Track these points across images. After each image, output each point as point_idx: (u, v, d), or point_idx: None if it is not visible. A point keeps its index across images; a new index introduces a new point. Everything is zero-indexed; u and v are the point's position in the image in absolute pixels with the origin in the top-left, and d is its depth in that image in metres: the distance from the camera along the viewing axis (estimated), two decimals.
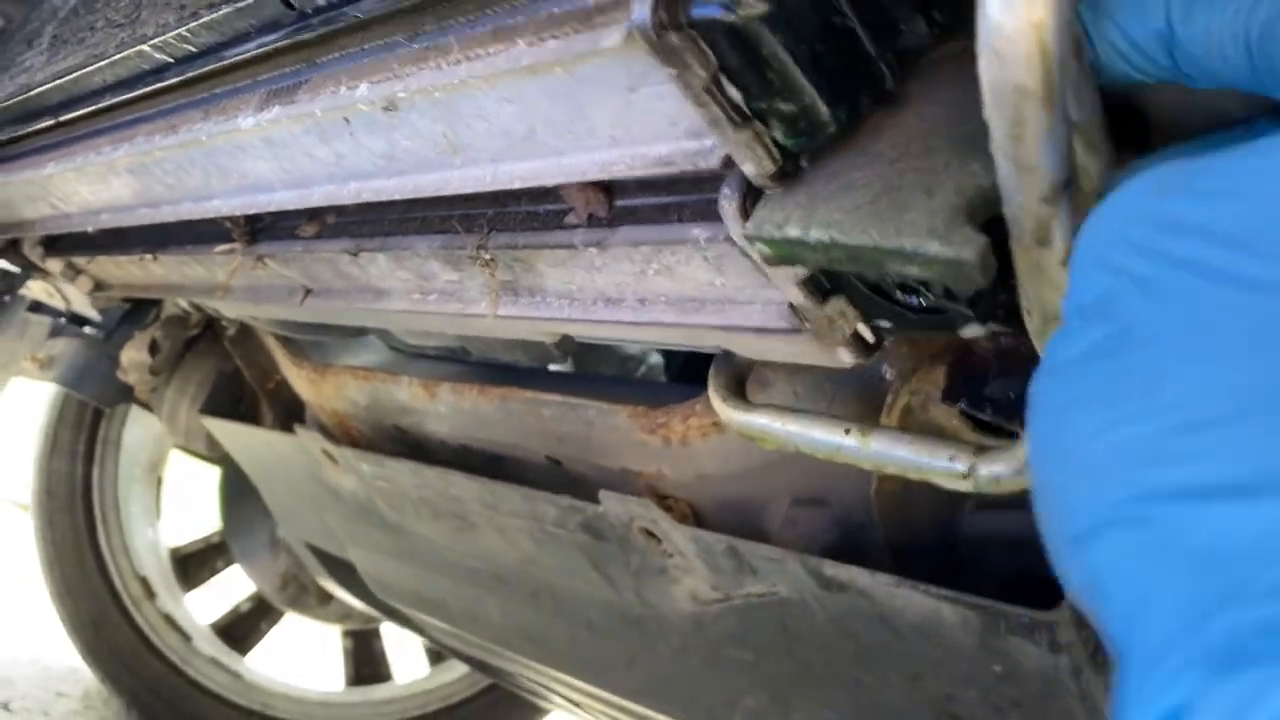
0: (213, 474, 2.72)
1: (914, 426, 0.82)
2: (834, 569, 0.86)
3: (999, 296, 0.58)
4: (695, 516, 1.04)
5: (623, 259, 0.73)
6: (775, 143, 0.53)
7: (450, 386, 1.20)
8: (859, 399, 0.87)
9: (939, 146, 0.52)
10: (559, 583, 1.26)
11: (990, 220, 0.50)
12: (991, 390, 0.74)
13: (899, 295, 0.60)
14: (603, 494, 1.02)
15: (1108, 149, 0.51)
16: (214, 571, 3.06)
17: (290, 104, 0.78)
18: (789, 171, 0.55)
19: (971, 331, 0.69)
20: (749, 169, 0.54)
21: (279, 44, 0.75)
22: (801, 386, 0.90)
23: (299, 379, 1.52)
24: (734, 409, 0.78)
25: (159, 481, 3.00)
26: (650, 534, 1.02)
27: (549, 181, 0.67)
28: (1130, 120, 0.53)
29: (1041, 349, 0.54)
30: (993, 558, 0.88)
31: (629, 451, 1.05)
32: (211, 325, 1.75)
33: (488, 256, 0.80)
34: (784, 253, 0.54)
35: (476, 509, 1.26)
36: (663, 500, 1.05)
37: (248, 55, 0.79)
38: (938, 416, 0.81)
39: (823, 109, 0.51)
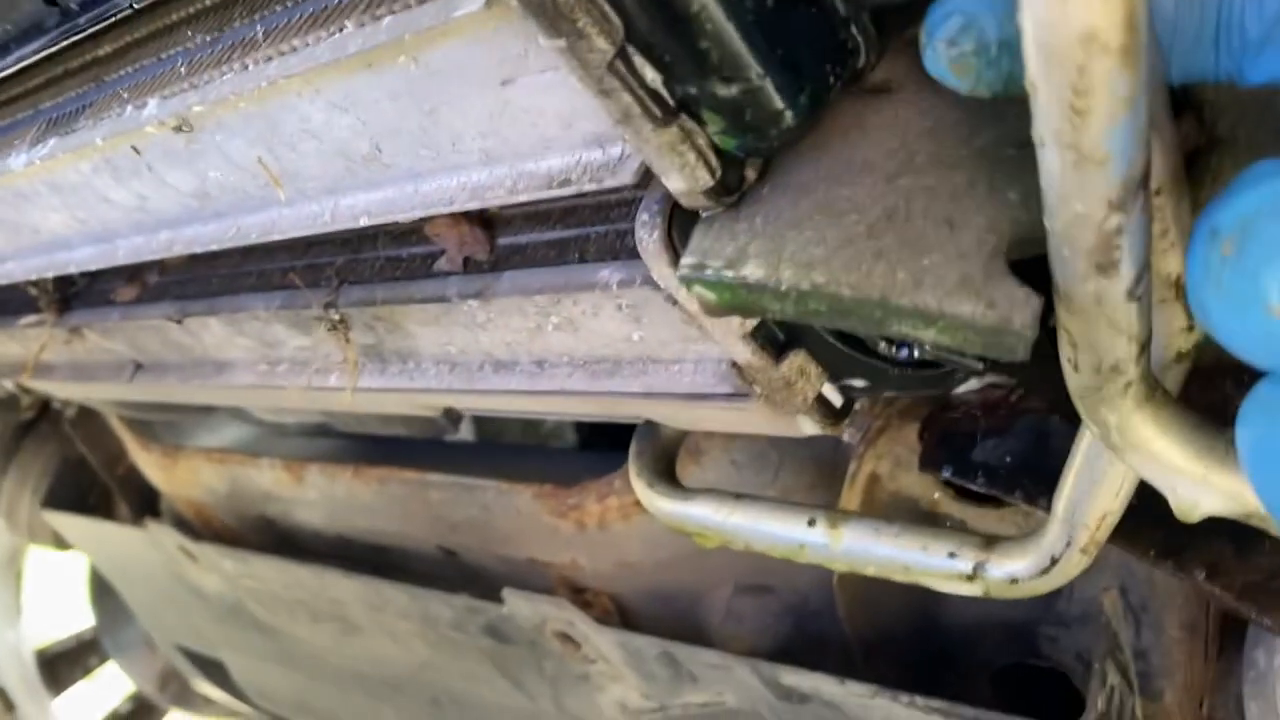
0: (81, 562, 2.44)
1: (883, 499, 0.67)
2: (794, 676, 0.70)
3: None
4: (619, 612, 0.88)
5: (513, 312, 0.57)
6: (712, 145, 0.37)
7: (319, 468, 1.02)
8: (814, 466, 0.72)
9: (956, 156, 0.37)
10: (462, 689, 1.07)
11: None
12: (981, 454, 0.59)
13: (883, 348, 0.45)
14: (507, 593, 0.85)
15: (1171, 131, 0.37)
16: (87, 671, 2.75)
17: (69, 134, 0.60)
18: (731, 185, 0.39)
19: (969, 386, 0.54)
20: (676, 184, 0.38)
21: (45, 52, 0.57)
22: (741, 453, 0.74)
23: (149, 465, 1.31)
24: (661, 497, 0.62)
25: (18, 576, 2.70)
26: (567, 638, 0.85)
27: (404, 216, 0.50)
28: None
29: (1086, 411, 0.39)
30: (983, 648, 0.73)
31: (536, 539, 0.88)
32: (48, 407, 1.52)
33: (337, 317, 0.62)
34: (739, 300, 0.39)
35: (360, 610, 1.07)
36: (579, 595, 0.88)
37: (9, 70, 0.61)
38: (911, 486, 0.66)
39: (774, 95, 0.36)
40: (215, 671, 1.63)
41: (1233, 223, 0.28)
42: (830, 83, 0.37)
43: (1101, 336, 0.35)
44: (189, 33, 0.51)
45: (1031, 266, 0.36)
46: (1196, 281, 0.30)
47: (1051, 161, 0.31)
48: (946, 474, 0.60)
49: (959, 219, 0.36)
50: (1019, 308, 0.35)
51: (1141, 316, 0.35)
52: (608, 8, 0.34)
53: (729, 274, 0.38)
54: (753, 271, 0.37)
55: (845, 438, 0.68)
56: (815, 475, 0.72)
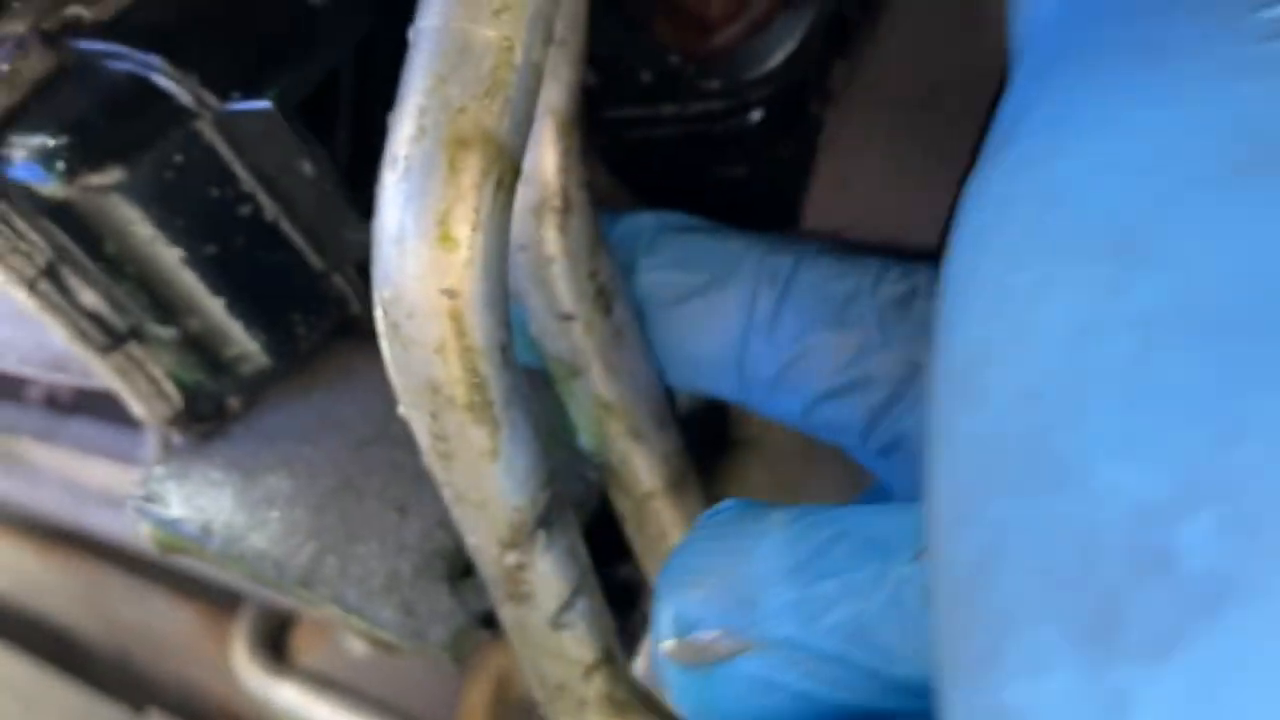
0: None
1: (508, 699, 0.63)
2: None
3: None
4: None
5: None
6: (171, 376, 0.34)
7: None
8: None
9: None
10: None
11: None
12: None
13: None
14: (150, 710, 0.79)
15: (664, 439, 0.35)
16: None
17: None
18: (203, 415, 0.36)
19: None
20: (138, 409, 0.35)
21: None
22: None
23: None
24: (257, 672, 0.57)
25: None
26: None
27: None
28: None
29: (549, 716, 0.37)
30: None
31: (198, 660, 0.82)
32: None
33: None
34: (173, 548, 0.35)
35: (28, 691, 0.99)
36: None
37: None
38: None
39: (234, 337, 0.33)
40: None
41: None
42: (298, 331, 0.34)
43: (536, 658, 0.33)
44: None
45: None
46: None
47: (445, 494, 0.29)
48: None
49: (414, 506, 0.33)
50: (439, 622, 0.32)
51: (579, 641, 0.32)
52: (26, 228, 0.30)
53: (169, 517, 0.35)
54: (191, 522, 0.34)
55: None
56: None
